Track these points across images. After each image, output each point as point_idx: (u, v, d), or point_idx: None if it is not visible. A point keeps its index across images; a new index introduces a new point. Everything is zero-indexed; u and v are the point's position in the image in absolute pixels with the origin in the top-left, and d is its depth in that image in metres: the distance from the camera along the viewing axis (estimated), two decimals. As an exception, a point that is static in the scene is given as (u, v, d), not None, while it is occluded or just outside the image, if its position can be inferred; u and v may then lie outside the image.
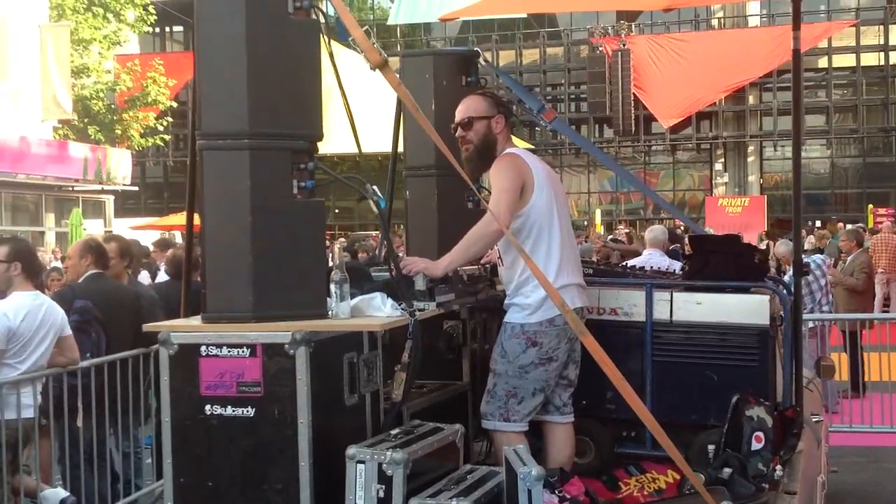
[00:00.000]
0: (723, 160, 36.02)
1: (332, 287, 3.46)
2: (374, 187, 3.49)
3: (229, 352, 3.33)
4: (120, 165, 25.18)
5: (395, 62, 4.29)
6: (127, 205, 27.50)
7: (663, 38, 28.94)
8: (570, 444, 4.42)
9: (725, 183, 35.58)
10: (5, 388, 5.25)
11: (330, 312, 3.48)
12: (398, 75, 5.18)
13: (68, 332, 5.67)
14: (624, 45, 27.75)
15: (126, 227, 22.44)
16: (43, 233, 23.03)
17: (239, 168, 3.37)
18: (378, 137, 6.53)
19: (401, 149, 5.13)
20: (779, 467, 4.17)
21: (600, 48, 29.47)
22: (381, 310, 3.53)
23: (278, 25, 3.40)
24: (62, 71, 24.13)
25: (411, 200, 5.11)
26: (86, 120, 26.77)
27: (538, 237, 4.13)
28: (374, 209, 3.48)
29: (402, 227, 5.27)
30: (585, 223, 34.55)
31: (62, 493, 5.68)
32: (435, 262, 3.93)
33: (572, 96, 36.47)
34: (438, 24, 34.99)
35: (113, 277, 6.76)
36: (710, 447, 4.52)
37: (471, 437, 4.55)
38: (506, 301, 4.26)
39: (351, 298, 3.53)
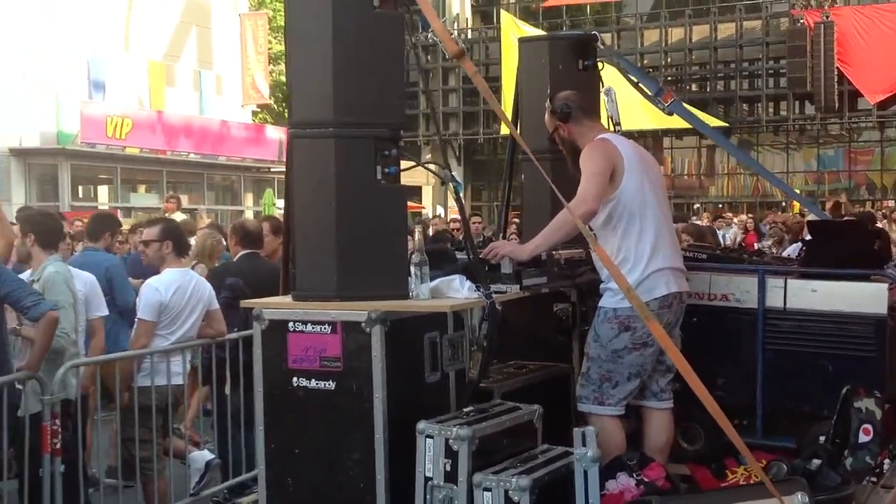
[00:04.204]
0: (937, 138, 33.55)
1: (413, 269, 3.61)
2: (454, 173, 3.60)
3: (313, 328, 3.55)
4: (313, 147, 26.26)
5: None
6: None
7: (870, 9, 27.28)
8: (668, 429, 4.40)
9: (940, 162, 33.15)
10: (157, 357, 5.73)
11: (411, 293, 3.64)
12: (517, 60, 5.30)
13: (216, 306, 6.10)
14: (827, 17, 26.39)
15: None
16: (242, 212, 24.47)
17: (325, 155, 3.58)
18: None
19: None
20: (887, 461, 4.01)
21: (801, 21, 28.08)
22: (459, 292, 3.65)
23: (364, 18, 3.58)
24: (260, 58, 25.50)
25: (526, 184, 5.20)
26: (283, 104, 28.15)
27: (629, 221, 4.13)
28: (453, 194, 3.59)
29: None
30: (784, 204, 33.11)
31: (208, 455, 6.14)
32: (521, 246, 4.02)
33: (770, 72, 34.83)
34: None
35: (268, 254, 7.18)
36: (822, 438, 4.39)
37: (573, 419, 4.62)
38: (601, 286, 4.28)
39: (432, 280, 3.66)
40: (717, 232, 13.93)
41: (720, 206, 31.10)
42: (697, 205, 32.35)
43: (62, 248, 5.78)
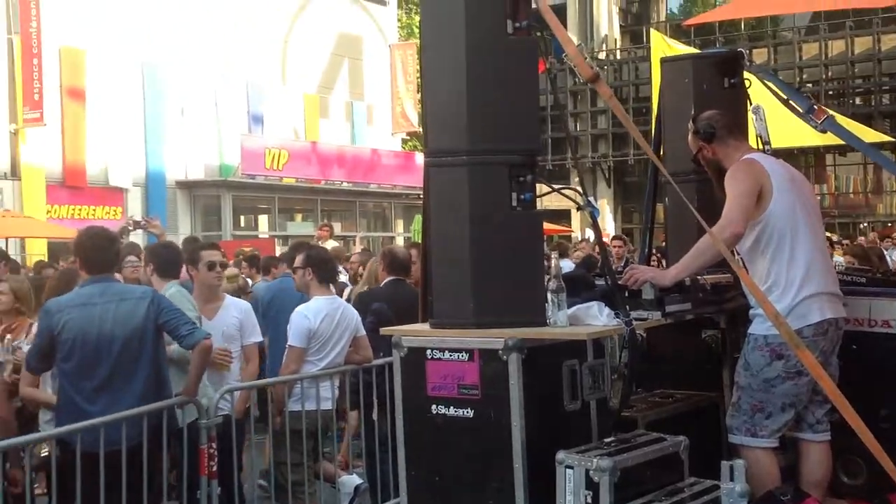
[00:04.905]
0: None
1: (549, 296, 3.56)
2: (590, 198, 3.54)
3: (451, 356, 3.56)
4: (462, 173, 26.53)
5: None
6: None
7: None
8: (826, 463, 4.16)
9: None
10: (306, 382, 5.86)
11: (548, 321, 3.59)
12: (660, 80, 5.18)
13: (363, 332, 6.19)
14: None
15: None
16: (393, 238, 24.92)
17: (459, 183, 3.59)
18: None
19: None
20: None
21: (973, 30, 26.52)
22: (598, 318, 3.58)
23: (498, 46, 3.58)
24: (409, 86, 25.99)
25: (670, 207, 5.05)
26: (433, 131, 28.54)
27: (779, 244, 3.95)
28: (589, 219, 3.53)
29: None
30: (957, 223, 31.18)
31: (357, 479, 6.23)
32: (663, 271, 3.90)
33: (939, 83, 32.99)
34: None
35: (416, 280, 7.25)
36: None
37: (724, 452, 4.44)
38: (750, 311, 4.11)
39: (569, 307, 3.60)
40: (885, 253, 13.17)
41: (889, 224, 29.54)
42: (864, 224, 30.89)
43: (210, 277, 5.96)
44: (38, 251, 17.61)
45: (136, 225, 8.68)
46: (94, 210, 19.90)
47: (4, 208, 17.84)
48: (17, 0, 18.66)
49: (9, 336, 5.66)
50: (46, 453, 4.92)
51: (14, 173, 18.91)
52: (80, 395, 4.70)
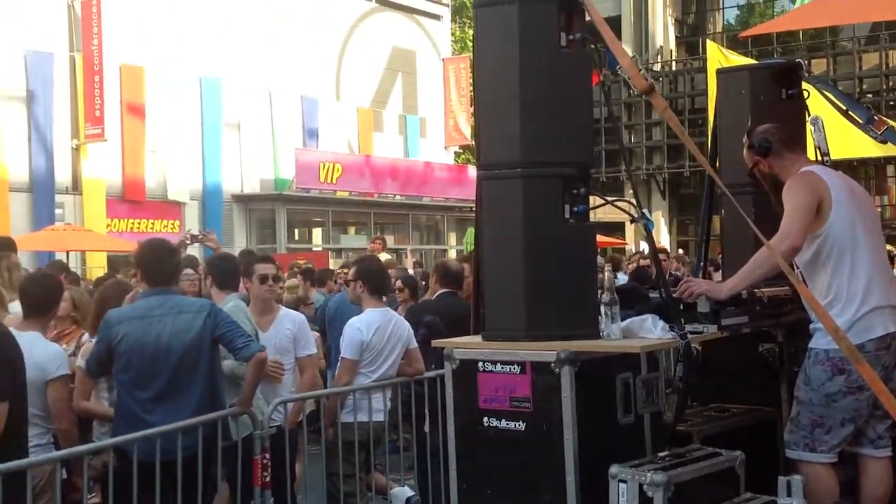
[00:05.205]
0: None
1: (602, 308, 3.54)
2: (645, 210, 3.52)
3: (502, 368, 3.55)
4: (515, 186, 26.53)
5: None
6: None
7: None
8: (887, 480, 4.08)
9: None
10: (359, 394, 5.89)
11: (601, 333, 3.56)
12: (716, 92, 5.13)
13: (414, 344, 6.21)
14: None
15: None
16: (445, 251, 24.96)
17: (512, 195, 3.59)
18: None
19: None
20: None
21: None
22: (652, 332, 3.55)
23: (551, 59, 3.58)
24: (462, 100, 26.07)
25: (726, 219, 5.00)
26: (486, 144, 28.56)
27: (840, 257, 3.88)
28: (643, 231, 3.50)
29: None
30: None
31: (408, 492, 6.23)
32: (719, 284, 3.86)
33: None
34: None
35: (468, 294, 7.26)
36: None
37: (781, 467, 4.37)
38: (811, 325, 4.04)
39: (623, 320, 3.58)
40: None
41: (952, 236, 28.88)
42: (926, 236, 30.24)
43: (263, 290, 6.00)
44: (98, 264, 17.95)
45: (194, 239, 8.81)
46: (153, 224, 20.24)
47: (66, 222, 18.20)
48: (79, 19, 19.10)
49: (64, 346, 5.76)
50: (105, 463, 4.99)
51: (75, 188, 19.32)
52: (137, 405, 4.77)
